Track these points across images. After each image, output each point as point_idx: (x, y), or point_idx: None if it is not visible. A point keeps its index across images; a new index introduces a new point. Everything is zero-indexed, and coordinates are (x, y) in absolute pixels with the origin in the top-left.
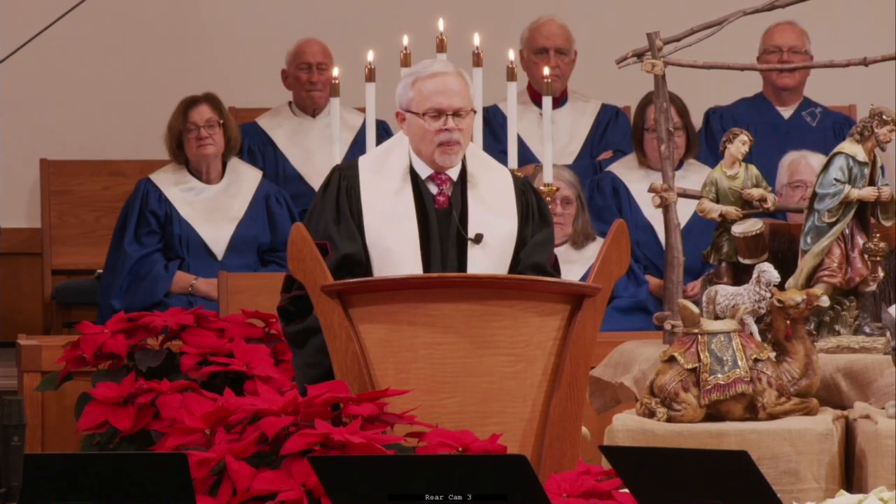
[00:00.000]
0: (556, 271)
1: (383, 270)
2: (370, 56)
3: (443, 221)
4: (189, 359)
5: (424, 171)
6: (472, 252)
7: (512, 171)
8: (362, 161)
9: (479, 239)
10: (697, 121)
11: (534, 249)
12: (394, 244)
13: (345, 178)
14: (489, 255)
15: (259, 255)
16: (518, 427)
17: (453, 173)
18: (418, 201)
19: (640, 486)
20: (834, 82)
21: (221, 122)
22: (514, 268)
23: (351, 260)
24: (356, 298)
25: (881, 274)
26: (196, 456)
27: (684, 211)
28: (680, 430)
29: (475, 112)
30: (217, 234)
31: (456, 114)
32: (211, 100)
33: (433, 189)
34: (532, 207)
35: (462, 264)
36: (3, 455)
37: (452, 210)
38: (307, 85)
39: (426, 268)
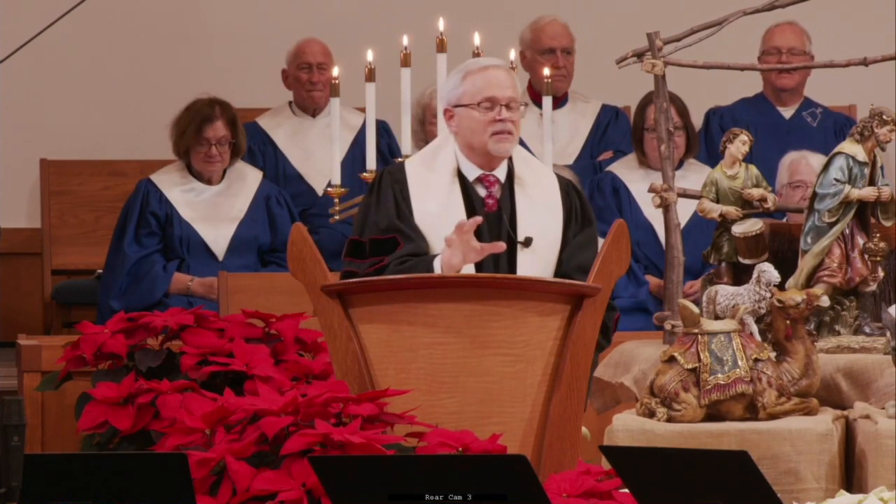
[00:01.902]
0: None
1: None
2: (370, 56)
3: (493, 225)
4: (189, 359)
5: (472, 173)
6: (522, 255)
7: (556, 173)
8: (409, 164)
9: (528, 242)
10: (697, 121)
11: (576, 251)
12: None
13: (395, 182)
14: (538, 258)
15: (259, 255)
16: (518, 427)
17: (500, 174)
18: (468, 205)
19: (640, 486)
20: (834, 82)
21: (233, 141)
22: (557, 269)
23: (417, 256)
24: (356, 298)
25: (881, 274)
26: (196, 456)
27: (684, 211)
28: (680, 430)
29: (526, 105)
30: (217, 235)
31: (508, 105)
32: (226, 114)
33: (482, 191)
34: (576, 209)
35: (512, 268)
36: (3, 455)
37: (503, 213)
38: (307, 85)
39: (478, 272)
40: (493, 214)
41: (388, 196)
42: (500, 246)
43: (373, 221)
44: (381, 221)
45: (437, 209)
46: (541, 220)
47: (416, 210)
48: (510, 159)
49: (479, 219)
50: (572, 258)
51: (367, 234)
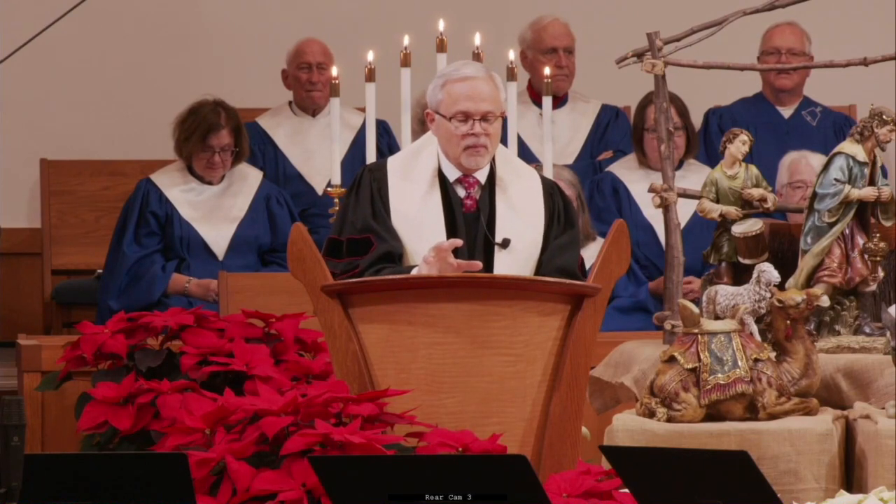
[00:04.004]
0: (583, 273)
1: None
2: (370, 56)
3: (470, 225)
4: (189, 359)
5: (452, 174)
6: (500, 257)
7: (541, 174)
8: (391, 162)
9: (506, 244)
10: (697, 121)
11: (556, 252)
12: (421, 247)
13: (375, 180)
14: (516, 260)
15: (259, 255)
16: (518, 427)
17: (481, 176)
18: (446, 205)
19: (640, 486)
20: (834, 82)
21: (237, 149)
22: (537, 271)
23: (391, 256)
24: (356, 298)
25: (881, 274)
26: (196, 456)
27: (684, 211)
28: (680, 430)
29: (505, 116)
30: (218, 235)
31: (484, 118)
32: (231, 122)
33: (461, 192)
34: (558, 211)
35: (489, 269)
36: (3, 455)
37: (480, 214)
38: (307, 85)
39: None
40: (470, 215)
41: (366, 195)
42: (477, 265)
43: (350, 221)
44: (358, 221)
45: (415, 208)
46: (520, 222)
47: (394, 208)
48: (493, 160)
49: (458, 241)
50: (552, 260)
51: (345, 234)
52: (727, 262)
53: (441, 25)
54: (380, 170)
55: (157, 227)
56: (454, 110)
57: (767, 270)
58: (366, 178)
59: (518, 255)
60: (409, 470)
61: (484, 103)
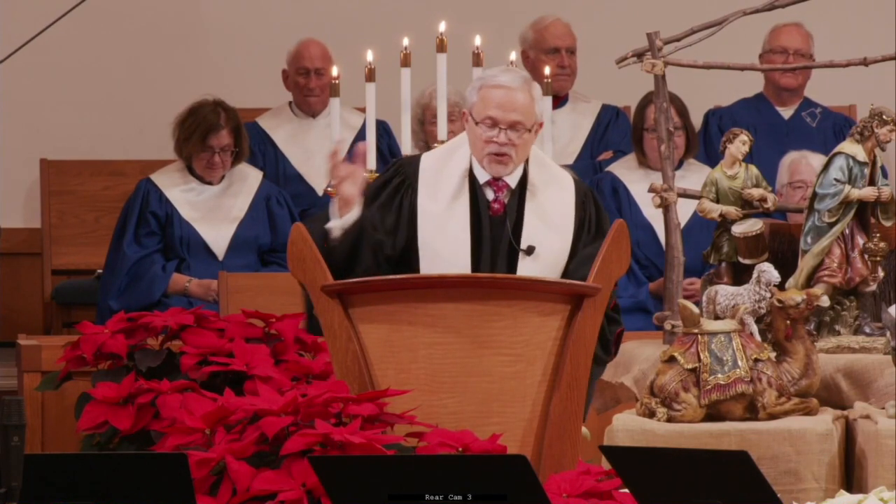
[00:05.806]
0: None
1: (431, 272)
2: (370, 56)
3: (496, 229)
4: (189, 359)
5: (483, 176)
6: (523, 263)
7: (577, 181)
8: (424, 159)
9: (530, 251)
10: (697, 121)
11: (584, 262)
12: (444, 247)
13: (405, 175)
14: (540, 267)
15: (259, 255)
16: (518, 427)
17: (512, 181)
18: (473, 206)
19: (640, 486)
20: (834, 82)
21: (237, 149)
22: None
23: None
24: (356, 298)
25: (881, 274)
26: (196, 456)
27: (684, 211)
28: (680, 430)
29: (541, 126)
30: (218, 235)
31: (511, 127)
32: (230, 122)
33: (490, 195)
34: (590, 219)
35: (511, 274)
36: (3, 455)
37: (507, 219)
38: (305, 90)
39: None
40: (496, 219)
41: (390, 192)
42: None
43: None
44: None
45: (441, 207)
46: (547, 229)
47: (420, 205)
48: (526, 164)
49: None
50: (579, 269)
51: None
52: (727, 262)
53: (442, 26)
54: (412, 165)
55: (157, 227)
56: (483, 115)
57: (767, 270)
58: (394, 173)
59: (543, 263)
60: (409, 470)
61: (514, 113)
